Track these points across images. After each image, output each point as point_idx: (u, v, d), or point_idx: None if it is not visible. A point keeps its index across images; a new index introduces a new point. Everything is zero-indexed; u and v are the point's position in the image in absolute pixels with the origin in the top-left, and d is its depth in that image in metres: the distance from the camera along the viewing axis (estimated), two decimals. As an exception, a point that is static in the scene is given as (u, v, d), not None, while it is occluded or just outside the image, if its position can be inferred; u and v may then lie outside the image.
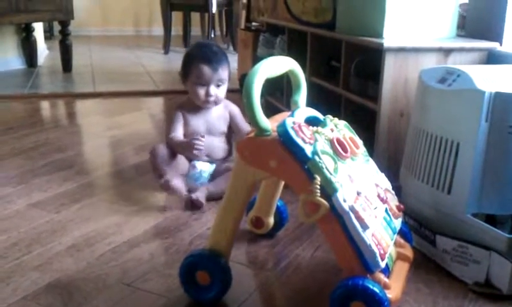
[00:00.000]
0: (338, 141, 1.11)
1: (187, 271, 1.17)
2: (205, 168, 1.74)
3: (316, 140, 1.07)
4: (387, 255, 1.06)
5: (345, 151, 1.11)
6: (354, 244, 1.02)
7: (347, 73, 1.92)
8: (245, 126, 1.82)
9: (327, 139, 1.10)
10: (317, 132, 1.10)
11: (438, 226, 1.34)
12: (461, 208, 1.28)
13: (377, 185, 1.16)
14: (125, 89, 3.42)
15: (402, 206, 1.20)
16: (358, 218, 1.02)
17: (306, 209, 1.04)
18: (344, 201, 1.02)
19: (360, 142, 1.20)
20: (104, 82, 3.67)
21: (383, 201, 1.14)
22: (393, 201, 1.20)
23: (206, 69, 1.74)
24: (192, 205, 1.63)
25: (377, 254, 1.02)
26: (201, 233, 1.49)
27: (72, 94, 3.31)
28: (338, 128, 1.16)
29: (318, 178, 1.02)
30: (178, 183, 1.66)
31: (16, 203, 1.65)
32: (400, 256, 1.20)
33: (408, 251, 1.22)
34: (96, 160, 2.16)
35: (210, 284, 1.15)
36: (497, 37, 1.74)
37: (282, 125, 1.06)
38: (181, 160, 1.77)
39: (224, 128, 1.84)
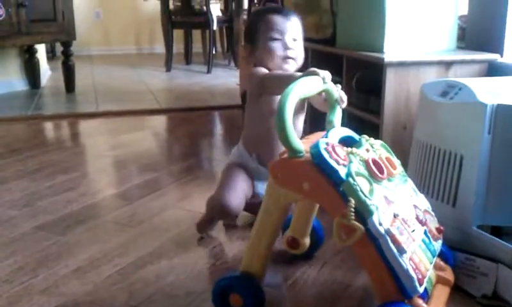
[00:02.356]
0: (374, 161, 1.08)
1: (221, 294, 1.16)
2: None
3: (351, 161, 1.04)
4: (426, 279, 1.03)
5: (382, 172, 1.07)
6: (391, 268, 0.99)
7: (349, 88, 1.92)
8: None
9: (362, 159, 1.07)
10: (351, 152, 1.07)
11: (444, 239, 1.33)
12: (467, 220, 1.28)
13: (415, 207, 1.12)
14: (128, 108, 3.44)
15: (442, 228, 1.16)
16: (395, 242, 0.98)
17: (341, 232, 1.01)
18: (380, 224, 0.99)
19: (397, 162, 1.16)
20: (106, 101, 3.69)
21: (422, 223, 1.10)
22: (433, 222, 1.16)
23: (278, 18, 1.45)
24: None
25: (415, 279, 0.98)
26: (208, 253, 1.49)
27: (75, 115, 3.33)
28: (374, 148, 1.14)
29: (352, 201, 0.99)
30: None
31: (21, 226, 1.65)
32: (440, 280, 1.16)
33: (449, 274, 1.18)
34: (100, 181, 2.16)
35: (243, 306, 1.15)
36: (497, 48, 1.75)
37: (315, 147, 1.03)
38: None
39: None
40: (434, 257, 1.11)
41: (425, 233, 1.10)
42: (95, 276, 1.35)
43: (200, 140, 2.82)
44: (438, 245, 1.14)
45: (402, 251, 0.99)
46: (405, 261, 0.99)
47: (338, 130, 1.17)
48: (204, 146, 2.75)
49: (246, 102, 1.58)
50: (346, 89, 1.92)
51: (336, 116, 1.25)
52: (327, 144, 1.05)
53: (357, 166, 1.04)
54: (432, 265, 1.09)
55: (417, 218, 1.10)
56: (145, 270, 1.38)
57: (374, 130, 1.74)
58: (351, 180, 1.01)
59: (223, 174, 1.56)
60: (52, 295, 1.27)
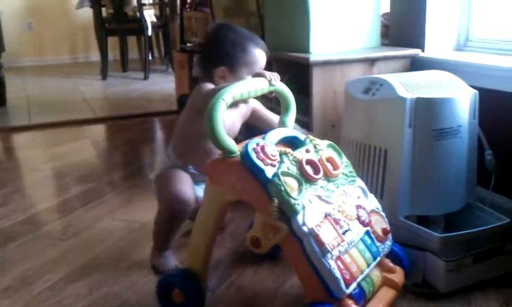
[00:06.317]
0: (309, 162, 1.09)
1: (164, 289, 1.20)
2: None
3: (282, 161, 1.06)
4: (357, 280, 1.03)
5: (317, 173, 1.09)
6: (315, 268, 1.00)
7: (280, 89, 1.94)
8: (274, 116, 1.50)
9: (295, 160, 1.08)
10: (284, 153, 1.08)
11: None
12: (394, 211, 1.32)
13: (359, 207, 1.13)
14: (62, 119, 3.35)
15: (388, 229, 1.16)
16: (318, 242, 0.99)
17: (269, 232, 1.04)
18: (304, 224, 1.00)
19: (342, 162, 1.17)
20: (40, 113, 3.58)
21: (364, 223, 1.11)
22: (380, 223, 1.16)
23: (261, 54, 1.41)
24: None
25: (341, 280, 0.99)
26: (140, 261, 1.47)
27: (7, 128, 3.21)
28: (317, 149, 1.14)
29: (276, 200, 1.01)
30: None
31: (-51, 247, 1.59)
32: (386, 282, 1.15)
33: (398, 277, 1.17)
34: (35, 195, 2.10)
35: (183, 302, 1.18)
36: (419, 44, 1.81)
37: (244, 147, 1.06)
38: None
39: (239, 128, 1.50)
40: (376, 258, 1.11)
41: (367, 233, 1.11)
42: (26, 294, 1.32)
43: (138, 147, 2.78)
44: (384, 246, 1.14)
45: (325, 251, 0.99)
46: (329, 261, 0.99)
47: (281, 131, 1.19)
48: (143, 153, 2.72)
49: (182, 106, 1.54)
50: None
51: (290, 118, 1.28)
52: (257, 144, 1.06)
53: (287, 166, 1.06)
54: (372, 266, 1.09)
55: (358, 219, 1.11)
56: (77, 284, 1.36)
57: (307, 130, 1.76)
58: (276, 179, 1.02)
59: (163, 177, 1.42)
60: (-19, 316, 1.23)
